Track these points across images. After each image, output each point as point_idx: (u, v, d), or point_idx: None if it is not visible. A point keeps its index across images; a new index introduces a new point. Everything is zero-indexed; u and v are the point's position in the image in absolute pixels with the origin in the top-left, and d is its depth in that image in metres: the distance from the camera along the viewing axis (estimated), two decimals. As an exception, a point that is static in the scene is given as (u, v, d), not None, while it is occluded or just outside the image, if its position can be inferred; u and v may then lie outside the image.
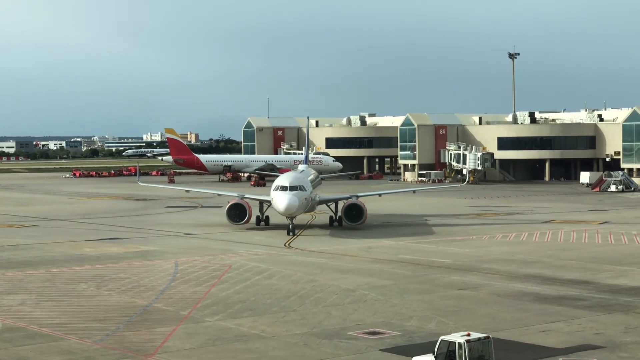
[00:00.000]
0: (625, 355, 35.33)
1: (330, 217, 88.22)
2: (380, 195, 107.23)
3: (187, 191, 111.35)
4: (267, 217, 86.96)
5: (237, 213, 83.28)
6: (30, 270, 59.22)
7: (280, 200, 76.36)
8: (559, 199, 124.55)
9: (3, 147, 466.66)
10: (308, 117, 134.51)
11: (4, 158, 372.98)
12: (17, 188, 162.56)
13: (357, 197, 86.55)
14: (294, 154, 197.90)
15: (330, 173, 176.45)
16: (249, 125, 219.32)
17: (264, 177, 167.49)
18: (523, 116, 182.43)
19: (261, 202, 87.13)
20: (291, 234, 77.17)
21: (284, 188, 77.25)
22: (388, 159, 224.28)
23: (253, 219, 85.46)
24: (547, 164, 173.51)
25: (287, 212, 76.65)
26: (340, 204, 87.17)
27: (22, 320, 42.62)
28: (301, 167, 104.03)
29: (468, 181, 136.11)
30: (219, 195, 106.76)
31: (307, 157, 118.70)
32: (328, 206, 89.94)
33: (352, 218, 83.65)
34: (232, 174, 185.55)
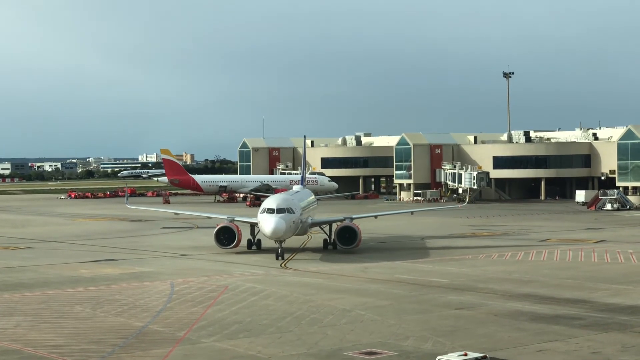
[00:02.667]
0: (623, 374, 35.22)
1: (325, 240, 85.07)
2: (376, 217, 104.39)
3: (176, 214, 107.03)
4: (259, 240, 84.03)
5: (225, 237, 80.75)
6: (26, 292, 59.02)
7: (266, 223, 73.48)
8: (555, 218, 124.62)
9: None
10: (305, 137, 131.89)
11: (0, 180, 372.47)
12: (12, 210, 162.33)
13: (352, 219, 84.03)
14: (290, 174, 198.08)
15: (326, 193, 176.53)
16: (244, 145, 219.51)
17: (259, 197, 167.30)
18: (518, 135, 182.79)
19: (252, 225, 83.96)
20: (280, 258, 74.40)
21: (270, 210, 74.29)
22: (384, 179, 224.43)
23: (244, 242, 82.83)
24: (543, 183, 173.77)
25: (273, 235, 73.61)
26: (335, 227, 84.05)
27: (18, 343, 42.43)
28: (296, 187, 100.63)
29: (465, 200, 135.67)
30: (209, 218, 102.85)
31: (303, 177, 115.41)
32: (322, 229, 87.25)
33: (345, 241, 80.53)
34: (228, 195, 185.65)
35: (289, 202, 77.77)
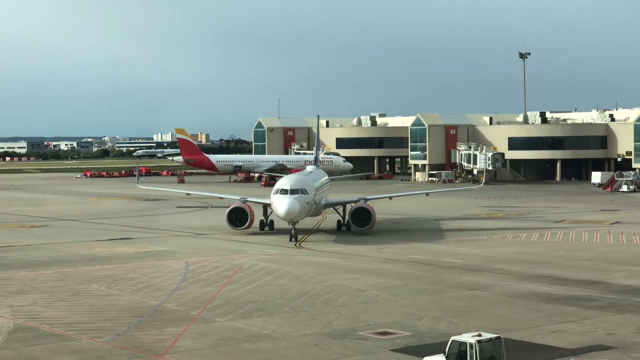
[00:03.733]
0: (637, 355, 35.19)
1: (338, 222, 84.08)
2: (390, 198, 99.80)
3: (187, 194, 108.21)
4: (272, 221, 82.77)
5: (237, 217, 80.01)
6: (42, 270, 59.38)
7: (280, 204, 72.67)
8: (570, 199, 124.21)
9: (14, 148, 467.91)
10: (318, 117, 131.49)
11: (16, 158, 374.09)
12: (29, 188, 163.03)
13: (366, 200, 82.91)
14: (305, 154, 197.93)
15: (340, 173, 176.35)
16: (259, 125, 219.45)
17: (274, 177, 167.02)
18: (534, 116, 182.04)
19: (265, 206, 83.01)
20: (293, 239, 73.56)
21: (284, 191, 73.45)
22: (398, 159, 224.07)
23: (256, 223, 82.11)
24: (558, 164, 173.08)
25: (287, 216, 72.84)
26: (349, 207, 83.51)
27: (34, 320, 42.72)
28: (309, 168, 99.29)
29: (480, 182, 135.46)
30: (220, 198, 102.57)
31: (316, 157, 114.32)
32: (336, 210, 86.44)
33: (359, 222, 79.52)
34: (245, 174, 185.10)
35: (303, 182, 77.03)
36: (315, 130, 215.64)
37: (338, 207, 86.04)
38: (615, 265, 59.84)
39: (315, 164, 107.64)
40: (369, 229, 79.72)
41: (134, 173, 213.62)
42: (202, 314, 43.95)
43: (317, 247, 71.13)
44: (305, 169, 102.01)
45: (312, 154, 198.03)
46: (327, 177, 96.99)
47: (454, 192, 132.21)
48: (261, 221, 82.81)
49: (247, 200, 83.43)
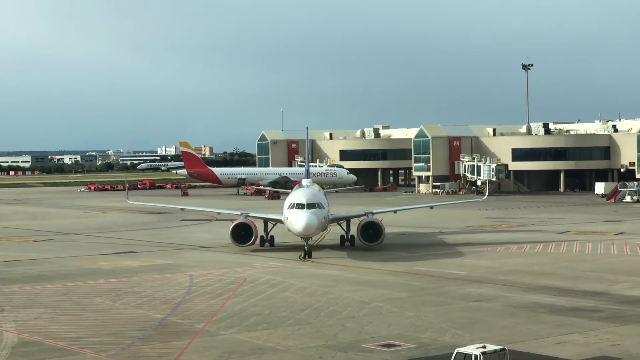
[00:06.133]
0: (642, 366, 35.13)
1: (342, 237, 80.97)
2: (395, 212, 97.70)
3: (182, 209, 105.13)
4: (272, 237, 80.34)
5: (241, 234, 76.81)
6: (46, 284, 59.40)
7: (297, 219, 69.54)
8: (574, 210, 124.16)
9: (19, 162, 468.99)
10: (307, 128, 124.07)
11: (20, 172, 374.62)
12: (33, 202, 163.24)
13: (373, 213, 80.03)
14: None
15: (344, 185, 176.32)
16: (263, 138, 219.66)
17: (278, 189, 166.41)
18: (537, 127, 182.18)
19: (266, 221, 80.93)
20: (307, 257, 70.63)
21: (300, 206, 70.50)
22: (402, 171, 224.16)
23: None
24: (562, 175, 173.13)
25: (305, 232, 69.63)
26: (353, 222, 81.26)
27: (38, 335, 42.74)
28: (305, 182, 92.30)
29: (484, 193, 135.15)
30: (218, 213, 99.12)
31: (308, 170, 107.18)
32: (339, 224, 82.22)
33: (368, 237, 76.46)
34: (255, 188, 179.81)
35: (318, 196, 74.44)
36: (319, 142, 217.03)
37: (342, 221, 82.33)
38: (620, 276, 59.77)
39: (306, 176, 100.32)
40: (378, 244, 76.97)
41: (141, 187, 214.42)
42: (206, 327, 43.96)
43: (321, 259, 71.07)
44: (301, 182, 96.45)
45: (316, 166, 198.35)
46: (322, 191, 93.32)
47: (457, 203, 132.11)
48: (261, 237, 79.56)
49: (249, 216, 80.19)
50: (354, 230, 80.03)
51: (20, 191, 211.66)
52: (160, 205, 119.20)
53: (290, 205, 72.03)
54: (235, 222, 78.19)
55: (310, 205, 70.62)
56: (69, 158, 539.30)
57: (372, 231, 76.87)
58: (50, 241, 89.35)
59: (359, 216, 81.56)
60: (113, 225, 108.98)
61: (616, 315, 45.59)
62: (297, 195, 73.48)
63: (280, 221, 79.01)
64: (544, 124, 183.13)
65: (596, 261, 67.81)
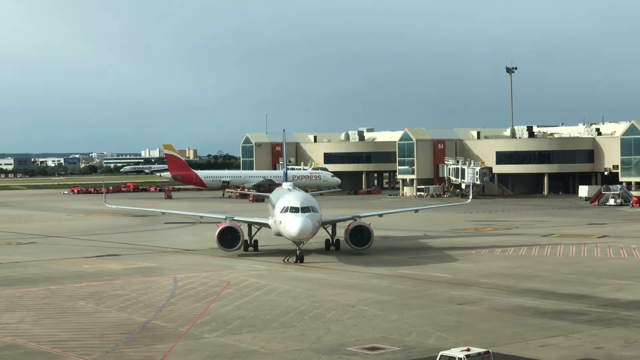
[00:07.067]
0: (626, 369, 35.23)
1: (327, 241, 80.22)
2: (381, 215, 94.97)
3: (162, 213, 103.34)
4: (256, 241, 79.25)
5: (228, 238, 75.22)
6: (29, 287, 59.11)
7: (292, 223, 68.16)
8: (558, 213, 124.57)
9: (1, 164, 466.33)
10: (284, 130, 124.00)
11: (2, 175, 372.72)
12: (16, 205, 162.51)
13: (360, 217, 79.74)
14: (293, 169, 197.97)
15: (328, 188, 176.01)
16: (247, 141, 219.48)
17: (262, 192, 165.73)
18: (521, 130, 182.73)
19: (250, 225, 79.82)
20: (299, 261, 69.72)
21: (294, 209, 69.13)
22: (387, 174, 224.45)
23: None
24: (546, 178, 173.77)
25: (300, 236, 68.60)
26: (340, 226, 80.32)
27: (21, 338, 42.49)
28: (286, 185, 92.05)
29: (469, 196, 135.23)
30: (200, 217, 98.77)
31: (286, 174, 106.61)
32: (324, 228, 79.81)
33: (357, 241, 75.71)
34: (239, 192, 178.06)
35: (311, 200, 73.07)
36: (303, 145, 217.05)
37: (327, 225, 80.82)
38: (603, 278, 59.97)
39: (285, 180, 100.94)
40: (367, 248, 76.38)
41: (125, 189, 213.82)
42: (190, 330, 43.82)
43: (306, 262, 70.95)
44: (282, 186, 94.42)
45: (301, 168, 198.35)
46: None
47: (442, 207, 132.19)
48: (245, 241, 77.80)
49: (234, 219, 78.83)
50: (339, 234, 79.64)
51: (2, 194, 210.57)
52: (138, 208, 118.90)
53: (283, 208, 70.27)
54: (221, 227, 76.29)
55: (304, 209, 69.44)
56: (52, 161, 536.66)
57: (360, 235, 76.18)
58: (33, 244, 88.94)
59: (345, 220, 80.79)
60: (96, 228, 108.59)
61: (600, 318, 45.73)
62: (289, 199, 71.60)
63: (265, 225, 78.68)
64: (528, 127, 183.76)
65: (580, 264, 68.02)
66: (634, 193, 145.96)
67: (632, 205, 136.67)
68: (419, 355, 37.76)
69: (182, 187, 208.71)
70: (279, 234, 74.42)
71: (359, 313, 48.14)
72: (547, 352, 38.16)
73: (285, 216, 69.49)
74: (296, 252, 70.91)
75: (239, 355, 38.50)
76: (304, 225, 67.92)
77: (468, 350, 30.41)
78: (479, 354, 30.35)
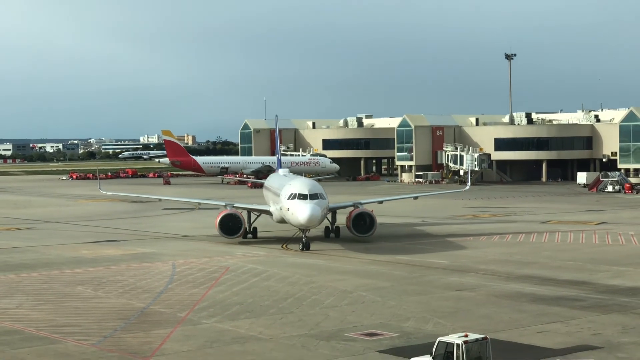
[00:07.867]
0: (623, 355, 35.34)
1: (327, 228, 78.88)
2: (381, 202, 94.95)
3: (159, 200, 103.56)
4: (255, 228, 78.55)
5: (230, 225, 74.33)
6: (27, 272, 59.17)
7: (301, 210, 66.99)
8: (556, 200, 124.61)
9: (0, 150, 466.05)
10: (277, 116, 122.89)
11: (1, 160, 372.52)
12: (14, 190, 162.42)
13: (361, 204, 78.52)
14: (291, 155, 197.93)
15: (327, 175, 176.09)
16: (245, 127, 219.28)
17: (261, 178, 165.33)
18: (520, 117, 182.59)
19: (249, 212, 79.03)
20: (305, 249, 68.87)
21: (302, 196, 68.01)
22: (385, 160, 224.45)
23: None
24: (544, 165, 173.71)
25: (309, 223, 67.42)
26: (340, 213, 79.86)
27: (20, 323, 42.56)
28: (282, 171, 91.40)
29: (467, 183, 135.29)
30: (199, 204, 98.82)
31: (280, 160, 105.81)
32: None
33: (360, 228, 74.84)
34: (237, 178, 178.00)
35: (318, 187, 71.99)
36: (302, 131, 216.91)
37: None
38: (601, 265, 60.07)
39: (279, 167, 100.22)
40: (370, 236, 75.28)
41: (123, 175, 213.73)
42: (189, 316, 43.89)
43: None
44: (278, 172, 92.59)
45: (299, 154, 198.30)
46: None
47: (440, 194, 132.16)
48: (244, 228, 76.20)
49: (234, 206, 78.15)
50: (340, 221, 79.40)
51: (1, 179, 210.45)
52: (134, 195, 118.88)
53: (291, 195, 69.12)
54: (222, 213, 75.36)
55: (313, 196, 68.51)
56: (51, 146, 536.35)
57: (363, 222, 75.42)
58: (31, 229, 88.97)
59: (346, 207, 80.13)
60: (95, 213, 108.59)
61: (597, 305, 45.82)
62: (297, 186, 70.56)
63: (266, 212, 78.64)
64: (526, 113, 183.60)
65: (578, 251, 68.11)
66: (632, 180, 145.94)
67: (625, 192, 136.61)
68: (416, 341, 37.84)
69: (180, 172, 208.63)
70: (282, 221, 74.14)
71: (357, 299, 48.21)
72: (544, 338, 38.25)
73: (293, 203, 68.48)
74: (302, 240, 70.04)
75: (237, 340, 38.58)
76: (313, 212, 66.98)
77: (466, 336, 30.43)
78: (476, 340, 30.38)
